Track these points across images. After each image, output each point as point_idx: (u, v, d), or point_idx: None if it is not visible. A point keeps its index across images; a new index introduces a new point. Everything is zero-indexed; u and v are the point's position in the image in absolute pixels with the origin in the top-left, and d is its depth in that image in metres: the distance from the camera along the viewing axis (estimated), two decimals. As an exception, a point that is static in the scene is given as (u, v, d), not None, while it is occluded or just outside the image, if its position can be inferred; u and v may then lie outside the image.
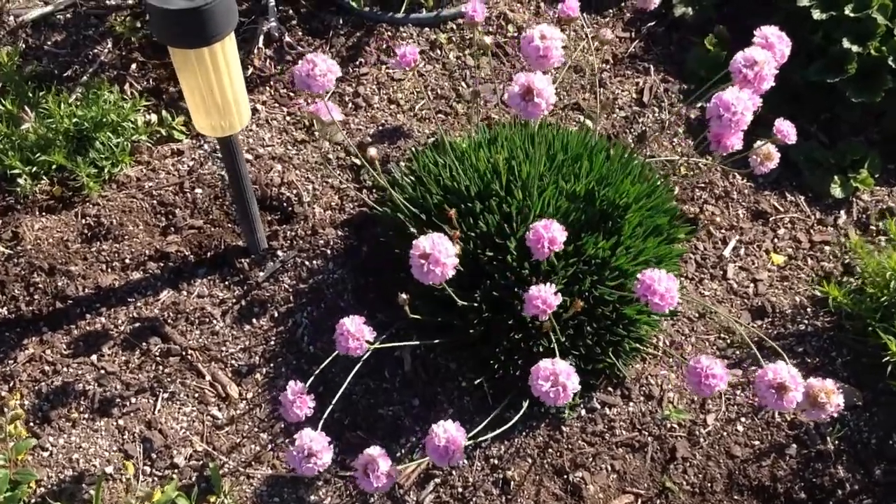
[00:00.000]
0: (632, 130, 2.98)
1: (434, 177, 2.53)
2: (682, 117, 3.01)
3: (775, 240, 2.78)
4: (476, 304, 2.32)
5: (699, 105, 3.03)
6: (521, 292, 2.24)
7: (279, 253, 2.66)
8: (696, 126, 3.00)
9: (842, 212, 2.85)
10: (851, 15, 2.89)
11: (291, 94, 3.05)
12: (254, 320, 2.59)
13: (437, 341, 2.39)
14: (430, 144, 2.73)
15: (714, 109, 2.01)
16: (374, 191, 2.80)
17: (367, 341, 2.02)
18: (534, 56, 1.95)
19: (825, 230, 2.81)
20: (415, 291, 2.29)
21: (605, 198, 2.40)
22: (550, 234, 1.92)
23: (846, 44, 2.87)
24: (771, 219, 2.82)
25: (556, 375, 1.83)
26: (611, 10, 3.31)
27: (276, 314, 2.59)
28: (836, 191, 2.85)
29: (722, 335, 2.57)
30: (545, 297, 1.94)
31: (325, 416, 2.23)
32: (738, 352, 2.54)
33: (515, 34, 3.20)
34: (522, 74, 1.89)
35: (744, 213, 2.83)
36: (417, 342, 2.41)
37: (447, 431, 1.95)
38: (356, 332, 2.00)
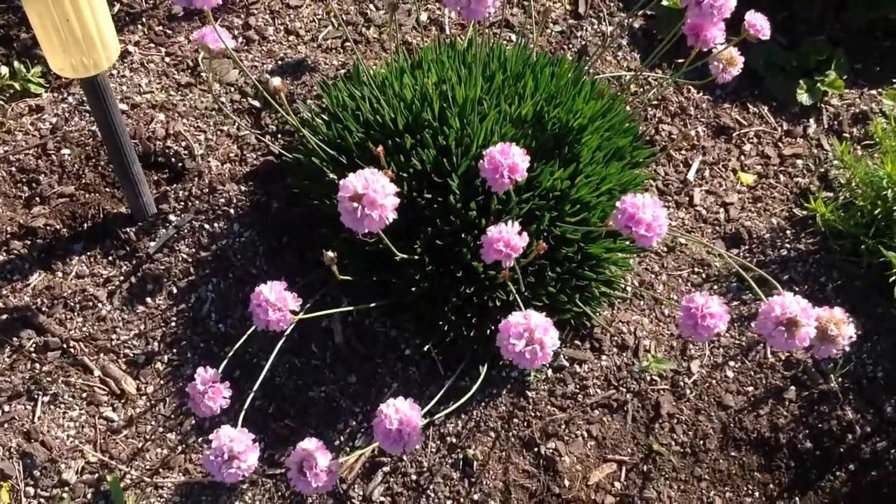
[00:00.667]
0: (570, 46, 2.66)
1: (352, 112, 2.18)
2: (625, 28, 2.71)
3: (742, 157, 2.52)
4: (416, 257, 1.99)
5: (642, 13, 2.73)
6: (469, 238, 1.92)
7: (172, 217, 2.28)
8: (641, 38, 2.71)
9: (811, 120, 2.60)
10: None
11: (169, 30, 2.64)
12: (148, 299, 2.21)
13: (372, 305, 2.05)
14: (343, 76, 2.36)
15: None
16: (280, 135, 2.43)
17: (292, 311, 1.68)
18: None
19: (795, 142, 2.56)
20: (341, 248, 1.95)
21: (556, 119, 2.09)
22: (510, 159, 1.60)
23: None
24: (734, 134, 2.56)
25: (532, 331, 1.53)
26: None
27: (174, 290, 2.22)
28: (803, 97, 2.61)
29: (696, 268, 2.31)
30: (508, 237, 1.62)
31: (246, 406, 1.89)
32: (716, 286, 2.27)
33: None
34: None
35: (704, 131, 2.56)
36: (349, 308, 2.07)
37: (399, 411, 1.64)
38: (277, 301, 1.66)
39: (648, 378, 2.13)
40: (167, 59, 2.60)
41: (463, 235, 1.99)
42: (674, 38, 2.07)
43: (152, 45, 2.63)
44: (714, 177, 2.50)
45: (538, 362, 1.54)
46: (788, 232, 2.38)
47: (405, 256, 1.94)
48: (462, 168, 2.01)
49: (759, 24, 2.01)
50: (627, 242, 2.14)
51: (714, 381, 2.14)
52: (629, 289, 2.25)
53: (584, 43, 2.69)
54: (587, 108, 2.13)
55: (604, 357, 2.16)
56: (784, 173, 2.51)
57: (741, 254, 2.35)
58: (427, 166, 2.02)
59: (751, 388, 2.14)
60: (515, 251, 1.62)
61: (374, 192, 1.51)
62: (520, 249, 1.63)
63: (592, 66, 2.50)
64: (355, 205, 1.52)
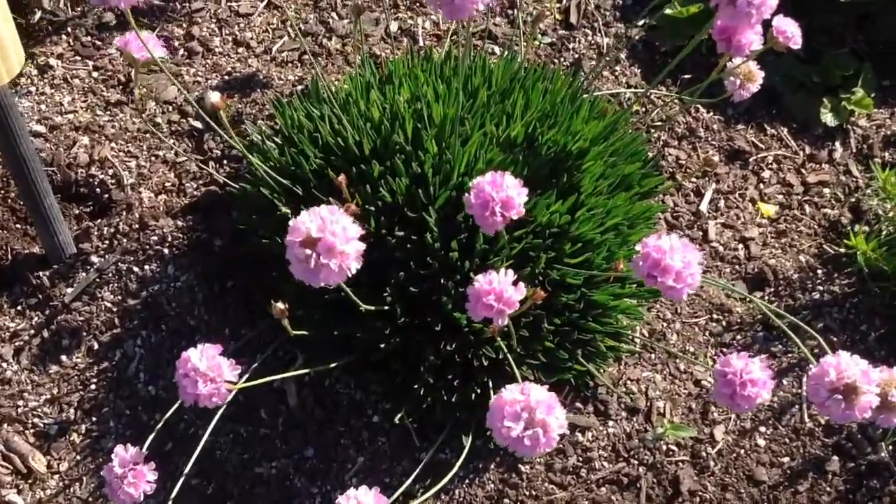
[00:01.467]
0: (562, 60, 2.39)
1: (309, 134, 1.88)
2: (623, 40, 2.44)
3: (761, 185, 2.25)
4: (386, 307, 1.69)
5: (642, 23, 2.46)
6: (450, 284, 1.63)
7: (94, 259, 1.97)
8: (641, 50, 2.43)
9: (836, 143, 2.33)
10: None
11: (98, 41, 2.33)
12: (63, 357, 1.90)
13: (333, 365, 1.73)
14: (299, 93, 2.07)
15: (722, -5, 1.43)
16: (225, 161, 2.13)
17: (228, 381, 1.36)
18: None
19: (820, 168, 2.29)
20: (295, 295, 1.65)
21: (551, 142, 1.81)
22: (503, 192, 1.31)
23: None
24: (751, 159, 2.29)
25: (532, 410, 1.23)
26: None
27: (95, 346, 1.91)
28: (827, 117, 2.34)
29: (715, 315, 2.02)
30: (501, 289, 1.33)
31: (178, 487, 1.57)
32: (738, 336, 1.99)
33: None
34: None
35: (716, 154, 2.28)
36: (304, 370, 1.76)
37: (361, 504, 1.32)
38: (209, 370, 1.35)
39: (664, 448, 1.84)
40: (95, 74, 2.29)
41: (442, 281, 1.69)
42: (685, 49, 1.79)
43: (78, 57, 2.32)
44: (730, 208, 2.22)
45: (540, 449, 1.25)
46: (819, 272, 2.10)
47: (371, 308, 1.63)
48: (441, 200, 1.71)
49: (789, 30, 1.76)
50: (636, 286, 1.85)
51: (742, 451, 1.85)
52: (637, 340, 1.96)
53: (577, 56, 2.41)
54: (587, 130, 1.84)
55: (611, 423, 1.86)
56: (810, 203, 2.24)
57: (766, 297, 2.07)
58: (399, 198, 1.73)
59: (786, 459, 1.85)
60: (510, 306, 1.33)
61: (332, 236, 1.21)
62: (515, 304, 1.33)
63: (588, 83, 2.22)
64: (308, 252, 1.22)
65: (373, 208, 1.73)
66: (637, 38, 2.47)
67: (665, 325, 2.02)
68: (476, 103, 1.85)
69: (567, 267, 1.73)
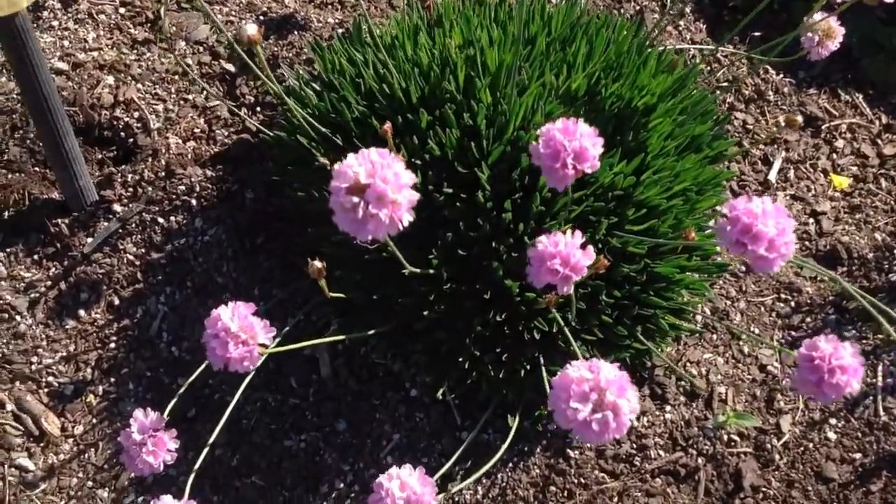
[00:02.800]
0: (622, 12, 2.24)
1: (351, 79, 1.75)
2: (688, -9, 2.29)
3: (833, 155, 2.10)
4: (432, 271, 1.56)
5: (711, -26, 2.31)
6: (502, 248, 1.50)
7: (116, 207, 1.85)
8: (708, 4, 2.28)
9: (918, 113, 2.17)
10: None
11: (128, -25, 2.20)
12: (81, 312, 1.79)
13: (371, 332, 1.61)
14: (340, 36, 1.93)
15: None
16: (259, 108, 2.00)
17: (262, 345, 1.24)
18: None
19: (899, 139, 2.14)
20: (333, 254, 1.53)
21: (616, 96, 1.66)
22: (576, 141, 1.16)
23: None
24: (823, 126, 2.14)
25: (602, 391, 1.10)
26: None
27: (116, 301, 1.80)
28: (909, 84, 2.18)
29: (783, 294, 1.88)
30: (567, 253, 1.19)
31: (201, 459, 1.45)
32: (808, 318, 1.85)
33: None
34: None
35: (782, 125, 2.12)
36: (340, 336, 1.64)
37: (406, 487, 1.23)
38: (241, 331, 1.24)
39: (726, 437, 1.71)
40: (122, 10, 2.17)
41: (493, 245, 1.57)
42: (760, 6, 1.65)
43: (105, -8, 2.19)
44: (800, 178, 2.07)
45: (609, 436, 1.12)
46: (898, 251, 1.96)
47: (416, 270, 1.50)
48: (494, 155, 1.58)
49: (885, -20, 1.59)
50: (702, 260, 1.72)
51: (811, 445, 1.72)
52: (699, 318, 1.83)
53: (638, 8, 2.26)
54: (655, 84, 1.70)
55: (668, 408, 1.73)
56: (886, 177, 2.09)
57: (838, 275, 1.92)
58: (448, 152, 1.60)
59: (858, 456, 1.72)
60: (578, 272, 1.20)
61: (383, 183, 1.08)
62: (583, 270, 1.21)
63: (652, 37, 2.08)
64: (355, 199, 1.09)
65: (419, 162, 1.61)
66: (705, -9, 2.31)
67: (728, 303, 1.88)
68: (534, 51, 1.71)
69: (630, 234, 1.60)
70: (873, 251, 1.96)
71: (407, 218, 1.12)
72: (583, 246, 1.22)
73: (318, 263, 1.40)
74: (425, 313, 1.60)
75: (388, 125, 1.50)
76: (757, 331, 1.85)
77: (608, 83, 1.69)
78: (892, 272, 1.93)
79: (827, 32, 1.72)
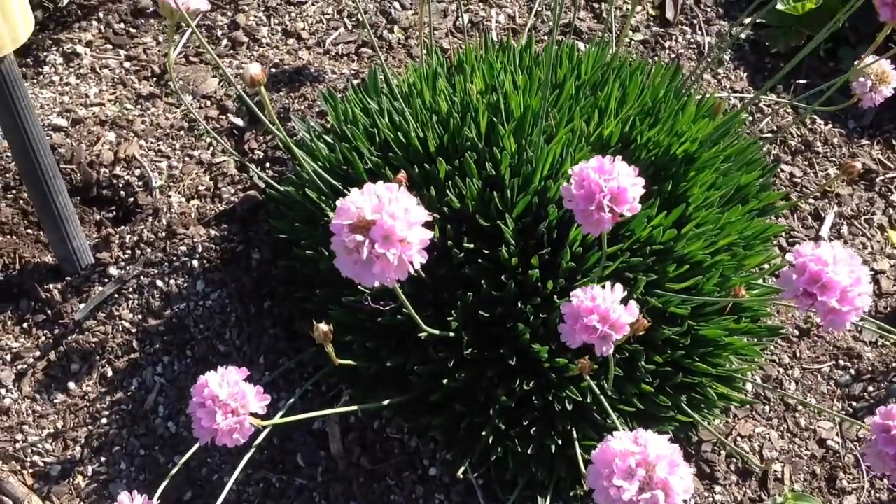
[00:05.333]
0: (656, 60, 2.13)
1: (364, 129, 1.65)
2: (727, 39, 2.18)
3: (890, 210, 1.97)
4: (451, 334, 1.43)
5: (749, 20, 2.20)
6: (528, 309, 1.37)
7: (112, 270, 1.75)
8: (748, 51, 2.17)
9: (981, 163, 2.04)
10: None
11: (133, 28, 2.13)
12: (71, 385, 1.68)
13: (385, 402, 1.48)
14: (354, 86, 1.84)
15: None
16: (268, 164, 1.90)
17: (254, 415, 1.11)
18: None
19: (961, 192, 2.00)
20: (343, 318, 1.41)
21: (653, 143, 1.54)
22: (613, 181, 1.04)
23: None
24: (878, 179, 2.01)
25: (650, 466, 0.96)
26: None
27: (109, 372, 1.69)
28: (970, 133, 2.05)
29: (841, 361, 1.73)
30: (606, 308, 1.06)
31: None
32: (871, 387, 1.69)
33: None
34: None
35: (837, 174, 2.00)
36: (352, 406, 1.51)
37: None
38: (230, 399, 1.10)
39: (784, 521, 1.55)
40: (127, 65, 2.09)
41: (519, 305, 1.44)
42: (803, 50, 1.53)
43: (109, 45, 2.12)
44: (855, 235, 1.94)
45: (659, 521, 0.97)
46: (967, 312, 1.81)
47: (435, 333, 1.38)
48: (520, 207, 1.46)
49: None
50: (752, 322, 1.58)
51: (880, 529, 1.56)
52: (749, 387, 1.68)
53: (674, 56, 2.15)
54: (696, 130, 1.58)
55: (718, 488, 1.58)
56: (949, 232, 1.95)
57: (902, 341, 1.78)
58: (469, 203, 1.48)
59: (934, 541, 1.55)
60: (618, 330, 1.07)
61: (391, 219, 0.97)
62: (625, 328, 1.08)
63: (689, 86, 1.97)
64: (359, 238, 0.97)
65: (437, 216, 1.49)
66: (743, 37, 2.21)
67: (782, 370, 1.73)
68: (562, 96, 1.61)
69: (671, 293, 1.46)
70: (939, 313, 1.81)
71: (418, 259, 1.00)
72: (623, 301, 1.09)
73: (324, 326, 1.28)
74: (444, 382, 1.47)
75: (402, 174, 1.39)
76: (814, 401, 1.69)
77: (643, 129, 1.57)
78: (962, 336, 1.77)
79: (881, 77, 1.61)
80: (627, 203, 1.06)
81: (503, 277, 1.45)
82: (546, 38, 2.17)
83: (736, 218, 1.55)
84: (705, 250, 1.51)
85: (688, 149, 1.57)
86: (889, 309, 1.82)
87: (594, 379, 1.41)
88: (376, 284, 1.02)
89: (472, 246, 1.47)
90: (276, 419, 1.24)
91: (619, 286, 1.09)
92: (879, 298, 1.85)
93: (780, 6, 2.16)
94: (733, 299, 1.39)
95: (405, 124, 1.60)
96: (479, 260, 1.47)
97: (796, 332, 1.78)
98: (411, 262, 1.00)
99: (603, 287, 1.09)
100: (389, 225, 0.97)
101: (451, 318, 1.46)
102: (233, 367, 1.16)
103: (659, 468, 0.98)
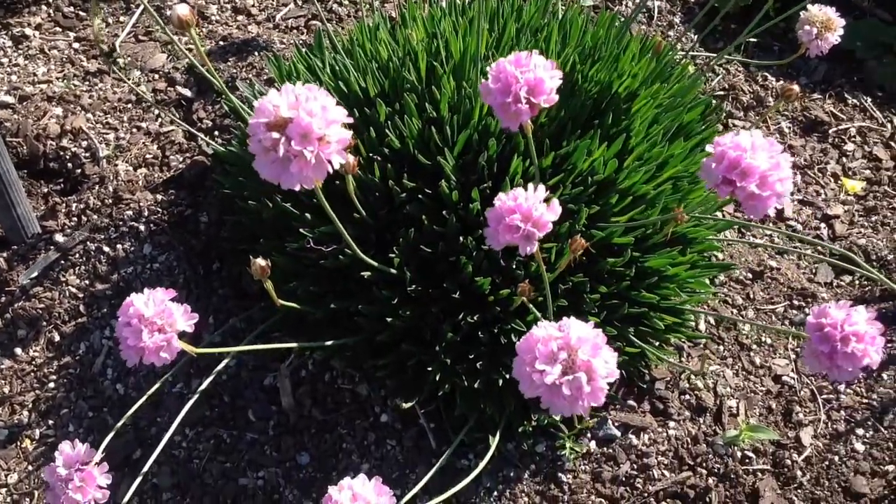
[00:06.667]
0: (605, 23, 2.14)
1: (307, 82, 1.63)
2: (676, 2, 2.19)
3: (843, 159, 1.98)
4: (394, 271, 1.42)
5: (698, -16, 2.23)
6: (470, 242, 1.37)
7: (59, 238, 1.73)
8: (697, 11, 2.18)
9: (932, 112, 2.05)
10: None
11: (83, 11, 2.14)
12: (18, 350, 1.67)
13: (329, 343, 1.46)
14: (299, 46, 1.84)
15: None
16: (217, 132, 1.90)
17: (181, 332, 1.10)
18: None
19: (913, 140, 2.01)
20: (287, 265, 1.41)
21: (594, 81, 1.54)
22: (529, 72, 1.04)
23: None
24: (830, 131, 2.02)
25: (572, 349, 0.95)
26: None
27: (56, 337, 1.67)
28: (920, 83, 2.06)
29: (795, 300, 1.73)
30: (528, 206, 1.06)
31: (131, 490, 1.30)
32: (826, 325, 1.68)
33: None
34: None
35: (790, 126, 2.01)
36: (290, 344, 1.50)
37: (358, 498, 1.06)
38: (156, 317, 1.09)
39: (739, 454, 1.54)
40: (76, 45, 2.09)
41: (461, 239, 1.43)
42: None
43: (59, 28, 2.13)
44: (808, 183, 1.94)
45: (583, 403, 0.97)
46: (921, 251, 1.81)
47: (375, 265, 1.37)
48: (460, 144, 1.46)
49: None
50: (699, 255, 1.58)
51: (836, 458, 1.54)
52: (703, 327, 1.67)
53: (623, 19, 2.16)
54: (638, 68, 1.59)
55: (672, 423, 1.57)
56: (903, 179, 1.96)
57: (857, 280, 1.78)
58: (410, 143, 1.48)
59: (891, 468, 1.54)
60: (541, 228, 1.06)
61: (308, 116, 0.96)
62: (548, 226, 1.07)
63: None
64: (275, 135, 0.96)
65: (378, 158, 1.49)
66: (692, 0, 2.22)
67: (735, 311, 1.73)
68: (504, 38, 1.61)
69: (614, 224, 1.46)
70: (893, 252, 1.81)
71: (337, 159, 0.99)
72: (546, 200, 1.09)
73: (260, 261, 1.27)
74: (389, 321, 1.45)
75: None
76: (768, 341, 1.69)
77: (584, 68, 1.58)
78: (916, 273, 1.77)
79: (826, 24, 1.60)
80: (544, 94, 1.05)
81: (444, 212, 1.45)
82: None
83: (678, 151, 1.55)
84: (648, 183, 1.51)
85: (629, 85, 1.57)
86: (843, 250, 1.82)
87: (540, 310, 1.41)
88: (296, 187, 1.00)
89: (413, 184, 1.46)
90: (203, 349, 1.23)
91: (542, 186, 1.08)
92: (834, 241, 1.85)
93: (726, -32, 2.18)
94: (672, 228, 1.38)
95: (346, 73, 1.60)
96: (420, 196, 1.46)
97: (749, 276, 1.78)
98: (330, 162, 0.99)
99: (525, 188, 1.08)
100: (307, 122, 0.97)
101: (394, 255, 1.45)
102: (160, 288, 1.15)
103: (581, 351, 0.97)
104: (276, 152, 0.97)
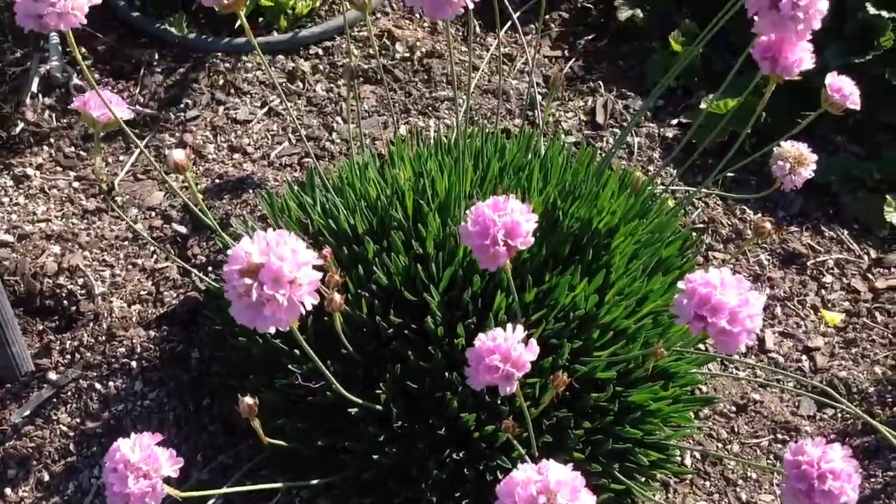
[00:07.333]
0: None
1: (298, 221, 1.69)
2: (655, 139, 2.26)
3: (822, 291, 2.00)
4: (379, 407, 1.43)
5: (676, 122, 2.29)
6: (456, 378, 1.38)
7: (52, 375, 1.74)
8: (675, 147, 2.24)
9: (906, 244, 2.09)
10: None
11: (83, 151, 2.20)
12: (7, 491, 1.67)
13: (314, 482, 1.46)
14: (290, 184, 1.88)
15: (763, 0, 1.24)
16: (211, 268, 1.93)
17: (167, 478, 1.10)
18: None
19: (889, 272, 2.05)
20: (275, 402, 1.42)
21: (574, 217, 1.58)
22: (507, 216, 1.07)
23: (872, 9, 2.19)
24: (809, 263, 2.05)
25: (551, 493, 0.95)
26: (533, 26, 2.59)
27: (46, 477, 1.68)
28: (894, 216, 2.10)
29: (779, 435, 1.73)
30: (507, 347, 1.07)
31: None
32: (811, 457, 1.68)
33: (407, 54, 2.44)
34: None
35: (769, 259, 2.05)
36: (277, 484, 1.49)
37: None
38: (143, 462, 1.09)
39: (728, 590, 1.51)
40: (76, 185, 2.14)
41: (447, 374, 1.44)
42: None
43: (59, 168, 2.18)
44: (789, 315, 1.97)
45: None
46: (902, 383, 1.82)
47: (361, 403, 1.38)
48: (445, 280, 1.49)
49: (845, 88, 1.54)
50: (682, 389, 1.59)
51: None
52: (689, 461, 1.67)
53: (604, 155, 2.22)
54: (617, 205, 1.63)
55: (660, 559, 1.55)
56: (881, 311, 1.98)
57: (839, 413, 1.78)
58: (396, 279, 1.50)
59: None
60: (520, 368, 1.08)
61: (278, 260, 0.99)
62: (526, 366, 1.08)
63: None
64: (248, 281, 0.99)
65: (366, 294, 1.51)
66: (671, 136, 2.29)
67: (720, 445, 1.73)
68: (488, 177, 1.66)
69: (596, 359, 1.47)
70: (874, 385, 1.82)
71: (309, 301, 1.01)
72: (524, 340, 1.11)
73: (248, 400, 1.28)
74: (376, 458, 1.45)
75: (327, 250, 1.41)
76: (753, 476, 1.68)
77: (565, 206, 1.62)
78: (897, 404, 1.78)
79: (798, 160, 1.64)
80: (521, 236, 1.08)
81: (430, 348, 1.46)
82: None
83: (658, 286, 1.58)
84: (629, 318, 1.53)
85: (608, 222, 1.60)
86: (825, 382, 1.83)
87: (525, 447, 1.41)
88: (271, 330, 1.03)
89: (399, 320, 1.48)
90: (186, 493, 1.23)
91: (520, 327, 1.10)
92: (815, 373, 1.86)
93: (704, 105, 2.25)
94: (653, 361, 1.39)
95: (335, 211, 1.64)
96: (407, 332, 1.48)
97: (733, 409, 1.78)
98: (302, 303, 1.02)
99: (504, 329, 1.10)
100: (277, 266, 0.99)
101: (380, 391, 1.46)
102: (147, 433, 1.16)
103: (560, 495, 0.97)
104: (249, 297, 1.00)
